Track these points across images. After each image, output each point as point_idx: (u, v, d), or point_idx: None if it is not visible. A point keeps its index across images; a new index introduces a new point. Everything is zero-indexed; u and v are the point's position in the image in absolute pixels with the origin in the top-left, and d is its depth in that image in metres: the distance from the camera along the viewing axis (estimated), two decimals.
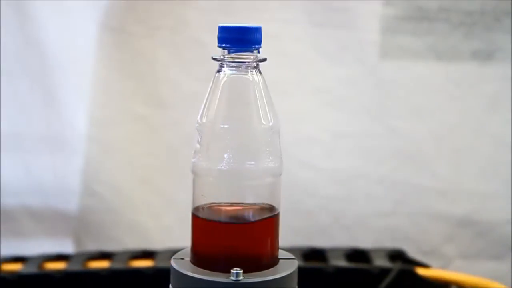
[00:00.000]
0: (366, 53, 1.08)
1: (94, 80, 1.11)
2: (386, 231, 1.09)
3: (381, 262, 0.92)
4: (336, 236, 1.09)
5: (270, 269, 0.62)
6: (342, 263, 0.92)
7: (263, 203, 0.63)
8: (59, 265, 0.92)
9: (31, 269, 0.91)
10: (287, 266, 0.63)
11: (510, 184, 1.07)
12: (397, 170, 1.09)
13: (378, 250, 0.96)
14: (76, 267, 0.91)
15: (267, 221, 0.62)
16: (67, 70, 1.11)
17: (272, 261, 0.63)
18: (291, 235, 1.05)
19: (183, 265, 0.62)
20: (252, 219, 0.63)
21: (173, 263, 0.62)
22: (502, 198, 1.08)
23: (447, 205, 1.09)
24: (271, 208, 0.63)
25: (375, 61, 1.08)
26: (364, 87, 1.09)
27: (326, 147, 1.10)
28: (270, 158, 0.62)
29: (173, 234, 1.10)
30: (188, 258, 0.63)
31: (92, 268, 0.92)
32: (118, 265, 0.92)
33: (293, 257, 0.64)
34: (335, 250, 0.96)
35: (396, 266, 0.90)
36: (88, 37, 1.10)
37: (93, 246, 1.09)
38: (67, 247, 1.11)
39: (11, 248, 1.07)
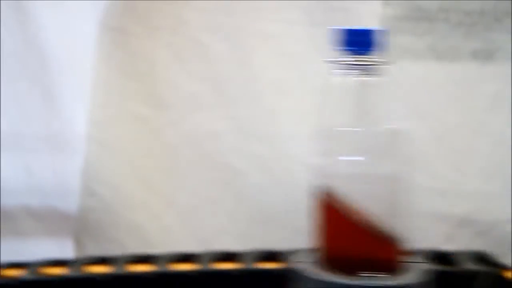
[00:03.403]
0: None
1: (94, 80, 1.11)
2: None
3: (466, 265, 0.89)
4: None
5: (399, 274, 0.62)
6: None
7: (390, 209, 0.62)
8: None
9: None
10: (416, 270, 0.63)
11: (510, 184, 1.07)
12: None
13: (461, 253, 0.93)
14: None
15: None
16: (67, 70, 1.11)
17: (401, 266, 0.63)
18: (291, 234, 1.05)
19: (311, 268, 0.61)
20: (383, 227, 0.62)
21: (299, 267, 0.61)
22: (502, 198, 1.08)
23: (447, 205, 1.09)
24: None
25: None
26: None
27: None
28: (394, 162, 0.62)
29: (173, 235, 1.10)
30: (310, 261, 0.62)
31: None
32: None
33: (423, 261, 0.63)
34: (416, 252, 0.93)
35: (482, 269, 0.88)
36: (88, 37, 1.10)
37: (93, 246, 1.09)
38: (67, 247, 1.11)
39: (11, 248, 1.07)
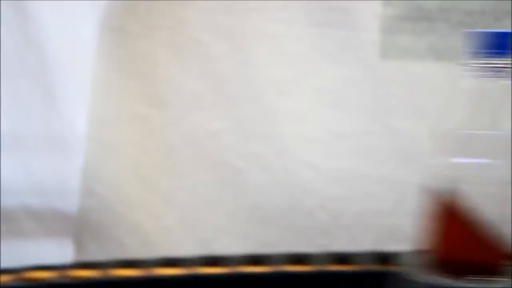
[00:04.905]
0: (366, 53, 1.08)
1: (94, 80, 1.11)
2: (386, 231, 1.09)
3: None
4: (336, 236, 1.09)
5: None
6: None
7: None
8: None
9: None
10: None
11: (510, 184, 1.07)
12: (397, 170, 1.09)
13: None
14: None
15: None
16: (67, 70, 1.11)
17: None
18: (291, 234, 1.05)
19: (421, 272, 0.60)
20: None
21: (408, 270, 0.60)
22: (502, 198, 1.08)
23: None
24: None
25: (375, 61, 1.08)
26: (364, 87, 1.09)
27: (326, 147, 1.10)
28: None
29: (173, 234, 1.10)
30: (415, 264, 0.61)
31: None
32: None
33: None
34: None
35: None
36: (88, 37, 1.10)
37: (93, 246, 1.09)
38: (67, 247, 1.11)
39: (11, 248, 1.07)
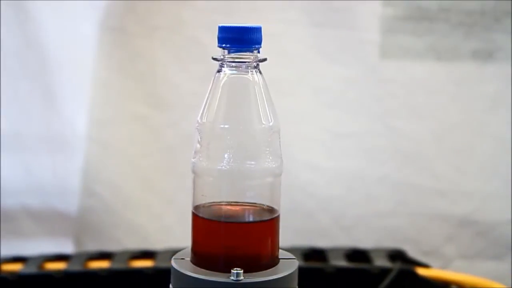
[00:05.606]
0: (366, 53, 1.08)
1: (94, 80, 1.11)
2: (386, 231, 1.09)
3: (381, 262, 0.92)
4: (336, 236, 1.09)
5: (270, 269, 0.62)
6: (342, 263, 0.92)
7: (263, 203, 0.63)
8: (59, 265, 0.92)
9: (31, 269, 0.91)
10: (288, 266, 0.62)
11: (510, 184, 1.07)
12: (397, 170, 1.09)
13: (378, 250, 0.96)
14: (76, 267, 0.91)
15: (268, 222, 0.62)
16: (67, 70, 1.11)
17: (273, 261, 0.63)
18: (292, 235, 1.05)
19: (183, 265, 0.62)
20: (253, 220, 0.62)
21: (173, 263, 0.62)
22: (502, 198, 1.08)
23: (447, 205, 1.09)
24: (272, 209, 0.63)
25: (375, 61, 1.08)
26: (364, 87, 1.09)
27: (326, 147, 1.10)
28: (270, 158, 0.62)
29: (173, 234, 1.10)
30: (188, 258, 0.63)
31: (92, 268, 0.92)
32: (118, 265, 0.92)
33: (293, 257, 0.64)
34: (335, 250, 0.95)
35: (396, 266, 0.90)
36: (88, 37, 1.10)
37: (92, 246, 1.09)
38: (67, 247, 1.11)
39: (11, 248, 1.07)
